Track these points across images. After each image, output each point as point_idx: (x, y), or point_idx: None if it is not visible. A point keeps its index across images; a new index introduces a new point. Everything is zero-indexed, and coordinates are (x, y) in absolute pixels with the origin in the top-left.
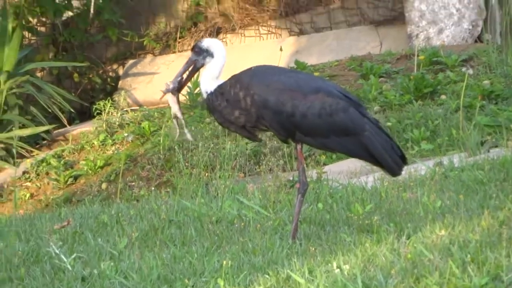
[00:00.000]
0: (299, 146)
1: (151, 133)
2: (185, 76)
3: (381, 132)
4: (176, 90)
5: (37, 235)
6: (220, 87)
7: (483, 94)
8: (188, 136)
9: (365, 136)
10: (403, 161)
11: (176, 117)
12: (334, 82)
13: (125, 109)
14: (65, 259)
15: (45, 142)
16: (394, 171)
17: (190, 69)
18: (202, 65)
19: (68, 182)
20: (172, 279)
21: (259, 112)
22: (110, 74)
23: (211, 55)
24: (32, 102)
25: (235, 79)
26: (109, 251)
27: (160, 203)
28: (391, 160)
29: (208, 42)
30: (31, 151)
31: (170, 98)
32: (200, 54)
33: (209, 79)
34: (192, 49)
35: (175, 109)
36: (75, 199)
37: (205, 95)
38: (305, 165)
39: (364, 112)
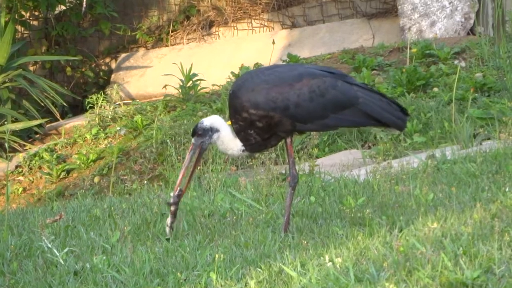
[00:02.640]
0: (289, 139)
1: (143, 127)
2: (191, 164)
3: (374, 93)
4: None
5: (29, 229)
6: (239, 134)
7: (476, 87)
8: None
9: (361, 103)
10: (404, 113)
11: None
12: (309, 62)
13: (117, 103)
14: (57, 253)
15: (37, 136)
16: (400, 126)
17: (197, 154)
18: (209, 144)
19: (61, 176)
20: (165, 273)
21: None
22: (103, 67)
23: (217, 130)
24: (24, 96)
25: (233, 114)
26: (101, 245)
27: (152, 197)
28: (393, 116)
29: (208, 121)
30: (24, 145)
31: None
32: (205, 135)
33: (233, 144)
34: (194, 134)
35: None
36: (67, 193)
37: (244, 154)
38: (294, 158)
39: (351, 81)
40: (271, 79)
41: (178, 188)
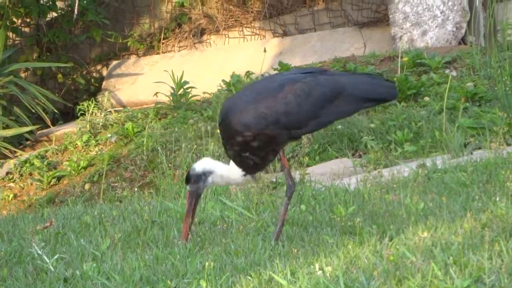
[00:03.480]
0: (281, 151)
1: (134, 134)
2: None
3: (356, 75)
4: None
5: (19, 236)
6: (235, 161)
7: (467, 96)
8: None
9: (348, 89)
10: (391, 81)
11: None
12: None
13: (108, 110)
14: (47, 260)
15: (28, 142)
16: (392, 95)
17: (194, 200)
18: (205, 187)
19: (51, 183)
20: (155, 281)
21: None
22: (94, 75)
23: (210, 172)
24: (15, 102)
25: (227, 141)
26: (91, 252)
27: (143, 204)
28: (382, 89)
29: (200, 166)
30: (15, 152)
31: None
32: (200, 180)
33: (231, 175)
34: (188, 181)
35: None
36: (58, 200)
37: (247, 178)
38: (289, 168)
39: (331, 73)
40: (254, 97)
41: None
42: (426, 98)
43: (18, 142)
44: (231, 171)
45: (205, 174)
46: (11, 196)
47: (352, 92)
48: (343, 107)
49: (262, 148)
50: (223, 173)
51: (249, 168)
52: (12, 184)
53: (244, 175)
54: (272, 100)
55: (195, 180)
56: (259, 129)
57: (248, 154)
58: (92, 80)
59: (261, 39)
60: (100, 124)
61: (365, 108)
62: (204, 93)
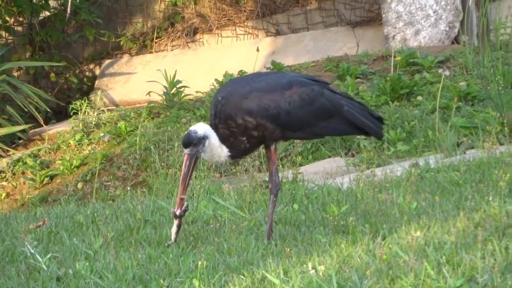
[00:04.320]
0: (273, 147)
1: (127, 133)
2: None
3: (354, 102)
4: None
5: (12, 235)
6: (226, 140)
7: (459, 96)
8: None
9: (345, 111)
10: (381, 122)
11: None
12: (293, 70)
13: (101, 109)
14: (40, 259)
15: (21, 141)
16: (378, 134)
17: (193, 163)
18: (203, 152)
19: (44, 182)
20: (147, 279)
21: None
22: (87, 74)
23: (207, 137)
24: (8, 101)
25: (222, 120)
26: (84, 251)
27: (135, 203)
28: (373, 125)
29: (201, 129)
30: (7, 151)
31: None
32: (200, 144)
33: (219, 151)
34: (189, 144)
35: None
36: (51, 199)
37: (228, 159)
38: (278, 166)
39: (333, 90)
40: (262, 87)
41: (185, 203)
42: (419, 98)
43: (11, 141)
44: (219, 147)
45: (204, 138)
46: (3, 195)
47: (347, 116)
48: (337, 125)
49: (258, 138)
50: (215, 144)
51: (237, 151)
52: (4, 183)
53: (229, 156)
54: (278, 95)
55: (196, 144)
56: (260, 119)
57: (244, 139)
58: (85, 79)
59: (254, 38)
60: (93, 123)
61: (353, 133)
62: (197, 92)
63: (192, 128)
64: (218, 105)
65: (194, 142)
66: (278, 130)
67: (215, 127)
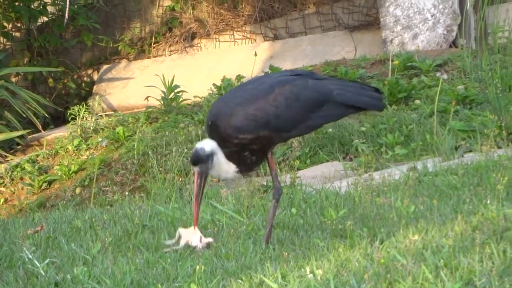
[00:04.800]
0: (269, 153)
1: (125, 138)
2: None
3: (345, 81)
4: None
5: (10, 240)
6: (232, 159)
7: (457, 99)
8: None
9: (336, 95)
10: (379, 92)
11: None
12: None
13: (99, 114)
14: (38, 264)
15: (19, 147)
16: (379, 107)
17: (203, 181)
18: (211, 168)
19: (42, 187)
20: (145, 284)
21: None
22: (85, 79)
23: (215, 153)
24: (6, 107)
25: (221, 142)
26: (82, 256)
27: (133, 208)
28: (370, 99)
29: (208, 146)
30: (5, 156)
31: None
32: (208, 160)
33: (227, 167)
34: (197, 162)
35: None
36: (49, 204)
37: (238, 175)
38: (277, 171)
39: (320, 77)
40: (245, 98)
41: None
42: (417, 101)
43: (9, 146)
44: (226, 164)
45: (212, 155)
46: (1, 200)
47: (340, 99)
48: (331, 111)
49: (261, 150)
50: (221, 160)
51: (245, 165)
52: (3, 189)
53: (237, 171)
54: (262, 102)
55: (204, 161)
56: (251, 132)
57: (247, 154)
58: (83, 84)
59: (252, 43)
60: (91, 128)
61: (351, 114)
62: (195, 97)
63: (199, 145)
64: (211, 130)
65: (203, 159)
66: (274, 135)
67: (221, 148)
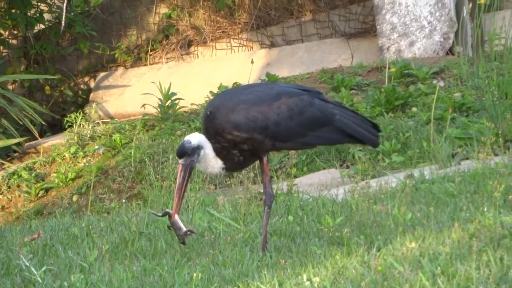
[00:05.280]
0: (265, 158)
1: (122, 146)
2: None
3: (348, 110)
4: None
5: (7, 248)
6: (219, 154)
7: (454, 107)
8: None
9: (337, 120)
10: (377, 129)
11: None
12: (287, 82)
13: (96, 122)
14: (35, 272)
15: (16, 154)
16: (374, 142)
17: (187, 174)
18: (198, 162)
19: (39, 195)
20: None
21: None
22: (82, 86)
23: (202, 147)
24: (3, 114)
25: (213, 135)
26: (79, 263)
27: (130, 216)
28: (367, 133)
29: (195, 139)
30: (2, 164)
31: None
32: (194, 154)
33: (214, 162)
34: (183, 155)
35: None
36: (46, 212)
37: (223, 171)
38: (271, 177)
39: (325, 99)
40: (250, 99)
41: (175, 214)
42: (414, 109)
43: (6, 154)
44: (214, 159)
45: (199, 148)
46: None
47: (340, 125)
48: (328, 135)
49: (249, 151)
50: (209, 155)
51: (231, 163)
52: None
53: (223, 169)
54: (266, 107)
55: (190, 154)
56: (248, 132)
57: (236, 152)
58: (80, 92)
59: (248, 51)
60: (88, 136)
61: (347, 143)
62: (191, 104)
63: (186, 138)
64: (207, 120)
65: (188, 152)
66: (268, 141)
67: (212, 141)
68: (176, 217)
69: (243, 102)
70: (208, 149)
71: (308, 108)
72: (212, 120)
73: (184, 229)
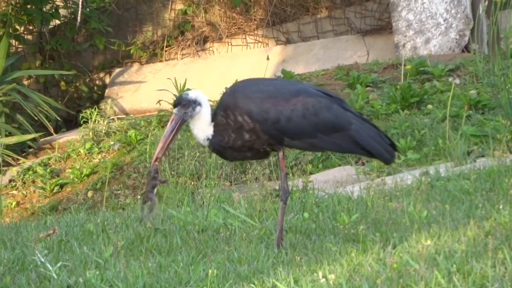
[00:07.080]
0: (281, 153)
1: (137, 142)
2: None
3: (367, 123)
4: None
5: (22, 244)
6: (217, 125)
7: (470, 104)
8: (151, 218)
9: (352, 130)
10: (394, 148)
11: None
12: (290, 75)
13: (111, 118)
14: (50, 268)
15: (31, 150)
16: (386, 159)
17: (178, 125)
18: (190, 117)
19: (54, 190)
20: None
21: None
22: (97, 82)
23: (199, 104)
24: (18, 110)
25: (223, 108)
26: (94, 259)
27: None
28: (381, 148)
29: (194, 93)
30: (17, 159)
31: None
32: (189, 106)
33: (205, 127)
34: (177, 104)
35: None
36: (61, 207)
37: (206, 142)
38: (286, 173)
39: (346, 107)
40: (268, 90)
41: (156, 162)
42: (429, 106)
43: (21, 149)
44: (206, 124)
45: (195, 103)
46: (14, 203)
47: (354, 134)
48: (339, 141)
49: (246, 140)
50: (205, 116)
51: (220, 140)
52: (15, 192)
53: (209, 139)
54: (282, 101)
55: (184, 105)
56: (257, 121)
57: (232, 135)
58: (95, 87)
59: (264, 47)
60: (103, 131)
61: (357, 153)
62: None
63: (187, 91)
64: (224, 95)
65: (182, 103)
66: (273, 134)
67: (214, 114)
68: (156, 164)
69: (261, 91)
70: (205, 109)
71: (324, 111)
72: (229, 96)
73: (162, 179)
